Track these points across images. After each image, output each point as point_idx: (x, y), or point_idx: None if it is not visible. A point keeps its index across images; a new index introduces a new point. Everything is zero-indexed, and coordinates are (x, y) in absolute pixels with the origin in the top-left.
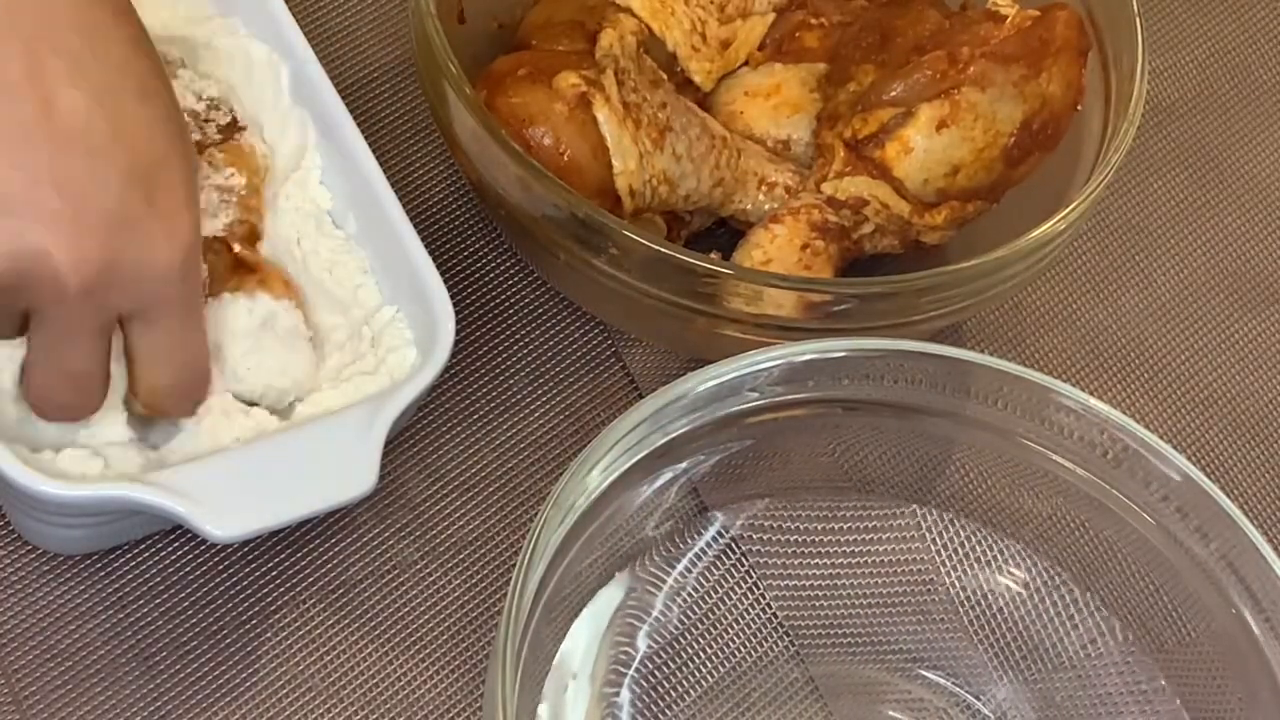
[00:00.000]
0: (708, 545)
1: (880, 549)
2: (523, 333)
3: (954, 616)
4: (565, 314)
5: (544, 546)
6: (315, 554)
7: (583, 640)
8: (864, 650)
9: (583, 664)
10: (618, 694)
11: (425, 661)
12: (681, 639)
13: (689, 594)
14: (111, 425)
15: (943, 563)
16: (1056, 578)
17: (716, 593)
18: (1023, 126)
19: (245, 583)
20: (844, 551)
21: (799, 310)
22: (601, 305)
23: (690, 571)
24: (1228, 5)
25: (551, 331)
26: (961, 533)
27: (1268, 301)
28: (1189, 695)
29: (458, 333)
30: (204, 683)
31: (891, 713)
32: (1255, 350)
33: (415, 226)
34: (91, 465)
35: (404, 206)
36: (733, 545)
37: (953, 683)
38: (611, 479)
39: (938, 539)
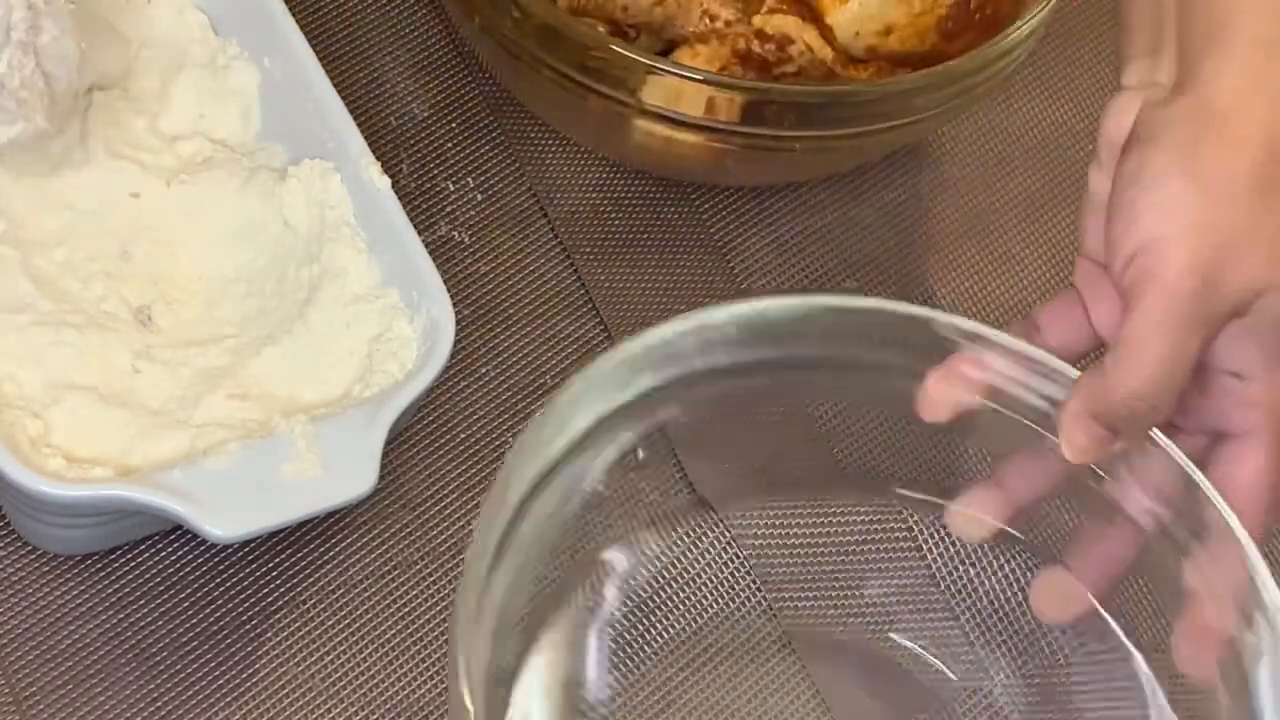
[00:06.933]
0: (680, 503)
1: (858, 520)
2: (522, 332)
3: (931, 585)
4: (564, 313)
5: (510, 492)
6: (315, 554)
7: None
8: (837, 610)
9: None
10: (586, 641)
11: (425, 662)
12: (652, 586)
13: (659, 545)
14: None
15: (920, 531)
16: (1034, 556)
17: (687, 543)
18: (961, 1)
19: (245, 583)
20: (821, 520)
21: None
22: (515, 82)
23: (659, 525)
24: None
25: (551, 331)
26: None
27: None
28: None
29: (457, 333)
30: (204, 683)
31: (862, 672)
32: None
33: (415, 227)
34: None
35: (404, 208)
36: (704, 501)
37: (921, 646)
38: (574, 435)
39: (915, 513)
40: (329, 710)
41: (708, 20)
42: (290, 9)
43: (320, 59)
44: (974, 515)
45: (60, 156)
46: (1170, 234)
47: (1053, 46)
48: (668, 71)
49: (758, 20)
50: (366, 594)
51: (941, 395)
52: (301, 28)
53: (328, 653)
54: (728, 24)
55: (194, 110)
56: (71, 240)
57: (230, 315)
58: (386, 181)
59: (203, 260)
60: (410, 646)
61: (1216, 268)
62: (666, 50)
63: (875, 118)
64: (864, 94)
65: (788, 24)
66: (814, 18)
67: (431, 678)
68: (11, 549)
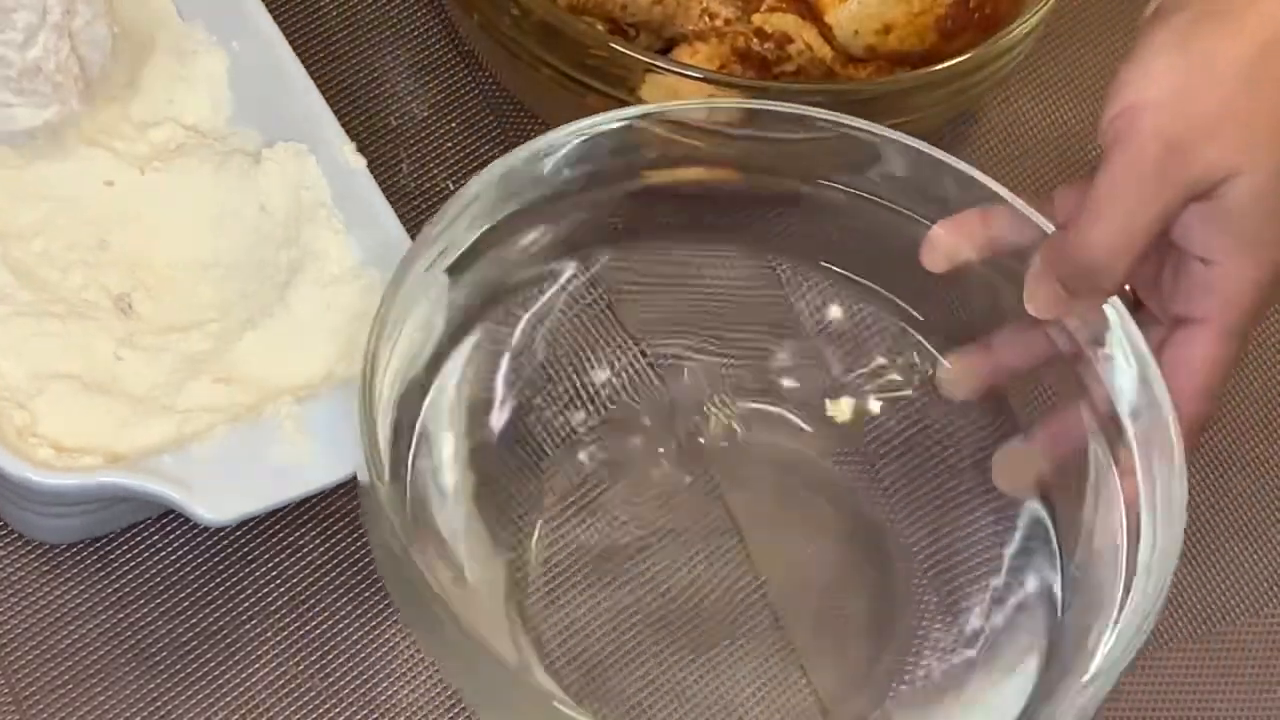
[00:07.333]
0: (566, 284)
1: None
2: None
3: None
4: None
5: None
6: (315, 553)
7: (448, 391)
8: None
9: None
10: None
11: (425, 661)
12: (545, 369)
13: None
14: None
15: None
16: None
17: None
18: (960, 0)
19: (245, 582)
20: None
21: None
22: (515, 81)
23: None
24: None
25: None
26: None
27: None
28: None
29: None
30: (203, 683)
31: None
32: (1255, 350)
33: (401, 219)
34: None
35: (404, 208)
36: (592, 283)
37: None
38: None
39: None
40: (329, 710)
41: (707, 18)
42: (290, 8)
43: (320, 59)
44: (961, 372)
45: (34, 147)
46: (1148, 101)
47: (1053, 46)
48: (667, 70)
49: (757, 18)
50: (366, 593)
51: (945, 245)
52: (301, 28)
53: (327, 652)
54: (727, 22)
55: (163, 96)
56: (49, 230)
57: (211, 300)
58: (362, 161)
59: (180, 246)
60: (410, 646)
61: (1186, 140)
62: (666, 49)
63: (874, 117)
64: (863, 93)
65: (787, 22)
66: (813, 16)
67: (431, 677)
68: (11, 549)
